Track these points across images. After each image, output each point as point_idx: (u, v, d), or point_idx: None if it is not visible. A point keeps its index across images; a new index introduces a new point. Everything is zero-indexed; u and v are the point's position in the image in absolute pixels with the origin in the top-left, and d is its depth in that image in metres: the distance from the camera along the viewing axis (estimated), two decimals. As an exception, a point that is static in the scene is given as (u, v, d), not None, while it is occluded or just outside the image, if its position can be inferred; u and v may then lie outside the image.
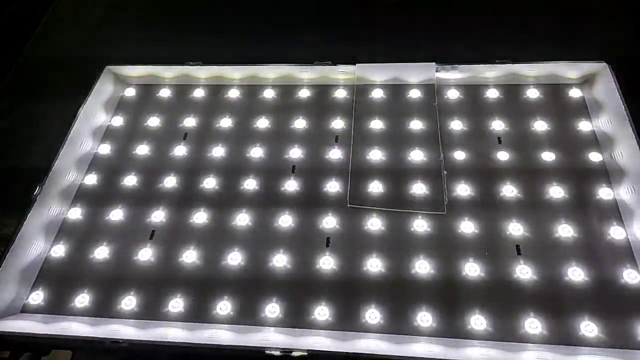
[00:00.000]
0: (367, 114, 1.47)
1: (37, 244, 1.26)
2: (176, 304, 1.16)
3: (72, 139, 1.40)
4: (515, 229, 1.21)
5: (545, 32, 1.75)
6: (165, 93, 1.60)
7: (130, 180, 1.40)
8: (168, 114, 1.55)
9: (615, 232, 1.17)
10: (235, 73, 1.57)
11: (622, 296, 1.09)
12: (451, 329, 1.09)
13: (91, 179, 1.42)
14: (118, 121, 1.55)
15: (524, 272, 1.14)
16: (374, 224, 1.25)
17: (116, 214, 1.33)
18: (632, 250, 1.15)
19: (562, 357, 1.01)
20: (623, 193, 1.22)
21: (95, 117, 1.52)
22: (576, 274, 1.12)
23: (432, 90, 1.49)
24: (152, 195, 1.36)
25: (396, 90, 1.52)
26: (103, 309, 1.18)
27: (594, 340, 1.04)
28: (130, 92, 1.62)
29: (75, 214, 1.35)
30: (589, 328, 1.05)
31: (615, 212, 1.21)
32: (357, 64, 1.51)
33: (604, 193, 1.24)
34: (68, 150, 1.38)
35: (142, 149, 1.47)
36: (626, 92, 1.31)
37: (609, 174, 1.28)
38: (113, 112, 1.58)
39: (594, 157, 1.31)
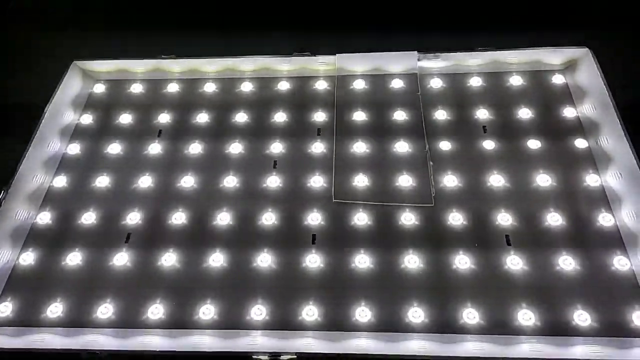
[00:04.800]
0: (349, 106, 1.43)
1: (4, 252, 1.18)
2: (156, 310, 1.10)
3: (39, 139, 1.32)
4: (504, 219, 1.18)
5: (527, 17, 1.74)
6: (137, 88, 1.53)
7: (102, 181, 1.33)
8: (141, 110, 1.48)
9: (604, 219, 1.16)
10: (210, 66, 1.51)
11: (613, 283, 1.08)
12: (444, 324, 1.05)
13: (60, 181, 1.34)
14: (87, 119, 1.47)
15: (514, 262, 1.12)
16: (361, 218, 1.21)
17: (88, 217, 1.26)
18: (621, 236, 1.14)
19: (556, 349, 1.00)
20: (610, 179, 1.22)
21: (63, 115, 1.44)
22: (567, 262, 1.11)
23: (415, 79, 1.46)
24: (126, 197, 1.30)
25: (378, 80, 1.49)
26: (78, 319, 1.11)
27: (587, 330, 1.02)
28: (99, 88, 1.54)
29: (45, 218, 1.27)
30: (582, 317, 1.03)
31: (603, 198, 1.20)
32: (337, 54, 1.47)
33: (591, 180, 1.23)
34: (35, 151, 1.30)
35: (114, 148, 1.39)
36: (609, 77, 1.30)
37: (595, 160, 1.27)
38: (82, 109, 1.50)
39: (580, 143, 1.30)
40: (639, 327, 1.02)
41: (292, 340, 1.04)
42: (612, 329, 1.02)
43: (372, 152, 1.33)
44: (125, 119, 1.46)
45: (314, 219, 1.22)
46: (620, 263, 1.10)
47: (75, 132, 1.45)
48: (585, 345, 1.00)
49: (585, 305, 1.05)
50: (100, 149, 1.40)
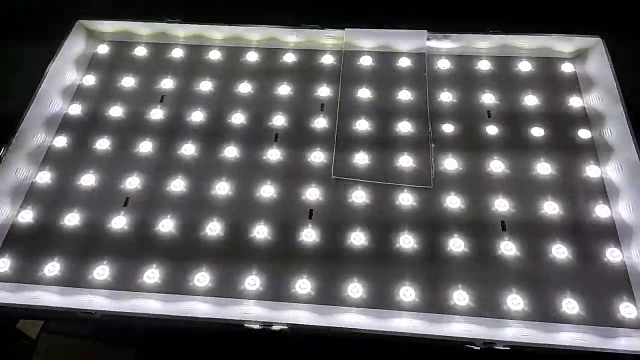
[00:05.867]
0: (355, 82, 1.41)
1: (2, 209, 1.19)
2: (152, 275, 1.11)
3: (41, 97, 1.31)
4: (501, 204, 1.19)
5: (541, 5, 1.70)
6: (141, 51, 1.51)
7: (103, 144, 1.32)
8: (144, 74, 1.46)
9: (601, 211, 1.17)
10: (217, 33, 1.49)
11: (604, 274, 1.09)
12: (434, 304, 1.07)
13: (61, 141, 1.33)
14: (90, 80, 1.45)
15: (508, 248, 1.13)
16: (359, 196, 1.21)
17: (88, 179, 1.26)
18: (616, 228, 1.15)
19: (543, 334, 1.01)
20: (610, 171, 1.21)
21: (66, 75, 1.42)
22: (560, 251, 1.12)
23: (423, 59, 1.44)
24: (126, 160, 1.29)
25: (385, 58, 1.46)
26: (74, 279, 1.12)
27: (575, 318, 1.04)
28: (103, 49, 1.52)
29: (45, 177, 1.27)
30: (570, 305, 1.05)
31: (602, 190, 1.20)
32: (345, 29, 1.45)
33: (591, 171, 1.23)
34: (36, 109, 1.29)
35: (116, 111, 1.38)
36: (618, 68, 1.28)
37: (596, 151, 1.26)
38: (85, 70, 1.48)
39: (583, 134, 1.29)
40: (624, 318, 1.03)
41: (283, 311, 1.06)
42: (599, 318, 1.04)
43: (374, 131, 1.32)
44: (128, 82, 1.44)
45: (313, 194, 1.22)
46: (612, 255, 1.11)
47: (78, 93, 1.43)
48: (571, 332, 1.02)
49: (574, 293, 1.07)
50: (102, 111, 1.39)
